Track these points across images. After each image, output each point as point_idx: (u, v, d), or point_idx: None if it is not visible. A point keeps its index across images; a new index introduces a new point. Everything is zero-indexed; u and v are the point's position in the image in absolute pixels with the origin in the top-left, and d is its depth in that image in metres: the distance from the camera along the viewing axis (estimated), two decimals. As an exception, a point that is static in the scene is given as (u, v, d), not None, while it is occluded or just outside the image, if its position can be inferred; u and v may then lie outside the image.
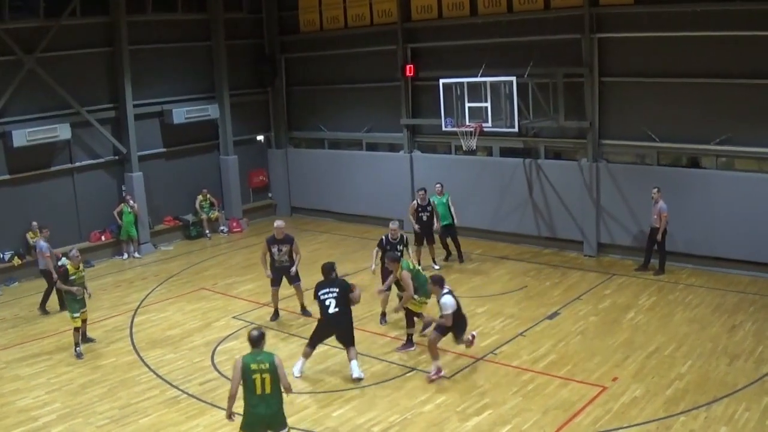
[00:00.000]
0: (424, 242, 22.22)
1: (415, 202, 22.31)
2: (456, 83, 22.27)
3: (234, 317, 19.45)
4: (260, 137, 30.99)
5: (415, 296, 16.08)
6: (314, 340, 15.44)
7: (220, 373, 15.90)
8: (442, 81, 22.65)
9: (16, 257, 24.23)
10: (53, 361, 16.93)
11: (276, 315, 19.06)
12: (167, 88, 27.87)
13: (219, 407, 14.09)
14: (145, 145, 27.23)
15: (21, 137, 23.82)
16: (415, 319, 16.48)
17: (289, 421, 13.24)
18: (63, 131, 24.75)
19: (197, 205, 28.46)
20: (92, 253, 26.02)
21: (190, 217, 28.54)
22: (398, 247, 18.85)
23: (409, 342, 16.55)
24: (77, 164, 26.09)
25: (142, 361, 16.94)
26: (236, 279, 22.93)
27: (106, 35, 26.03)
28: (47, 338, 18.68)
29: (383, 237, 19.16)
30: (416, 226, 22.08)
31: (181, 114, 27.51)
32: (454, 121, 22.47)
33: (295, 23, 29.63)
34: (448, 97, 22.54)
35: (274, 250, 18.56)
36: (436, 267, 22.09)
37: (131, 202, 26.13)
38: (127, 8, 25.88)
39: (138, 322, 19.66)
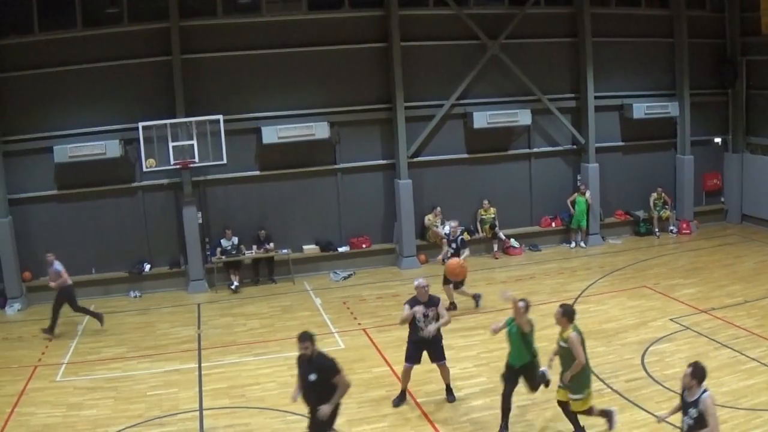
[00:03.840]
0: None
1: None
2: None
3: (671, 319, 18.82)
4: (717, 139, 29.58)
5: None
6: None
7: (647, 373, 15.60)
8: None
9: (466, 233, 25.29)
10: (486, 336, 17.45)
11: (402, 398, 15.03)
12: (627, 82, 27.54)
13: (640, 407, 13.95)
14: (603, 137, 27.16)
15: (482, 119, 25.14)
16: None
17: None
18: (523, 117, 25.58)
19: (651, 203, 27.87)
20: (541, 238, 26.79)
21: (640, 213, 28.00)
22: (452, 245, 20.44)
23: None
24: (535, 150, 26.84)
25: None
26: (679, 281, 22.13)
27: (570, 26, 26.36)
28: (484, 314, 19.49)
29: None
30: None
31: (641, 109, 27.04)
32: None
33: (757, 25, 27.77)
34: None
35: (419, 315, 14.50)
36: None
37: (586, 192, 26.26)
38: (591, 0, 25.99)
39: (577, 311, 19.65)
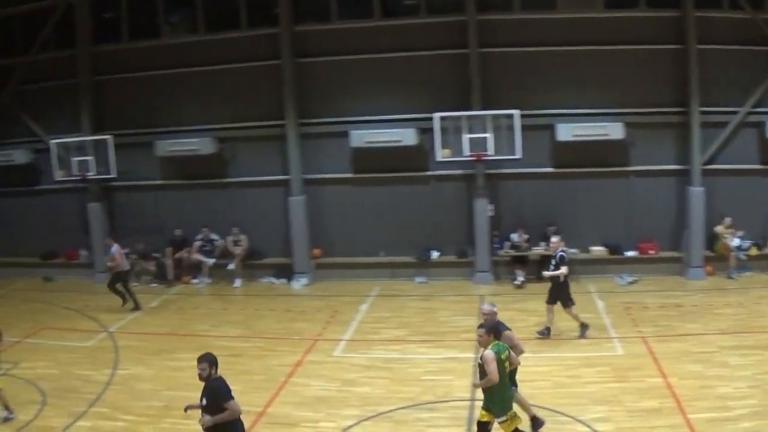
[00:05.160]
0: None
1: None
2: None
3: None
4: None
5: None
6: None
7: None
8: None
9: (754, 248, 24.46)
10: (765, 356, 16.72)
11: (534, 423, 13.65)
12: None
13: None
14: None
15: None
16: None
17: None
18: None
19: None
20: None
21: None
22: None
23: None
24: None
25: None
26: None
27: None
28: (767, 333, 18.56)
29: None
30: None
31: None
32: None
33: None
34: None
35: None
36: None
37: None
38: None
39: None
